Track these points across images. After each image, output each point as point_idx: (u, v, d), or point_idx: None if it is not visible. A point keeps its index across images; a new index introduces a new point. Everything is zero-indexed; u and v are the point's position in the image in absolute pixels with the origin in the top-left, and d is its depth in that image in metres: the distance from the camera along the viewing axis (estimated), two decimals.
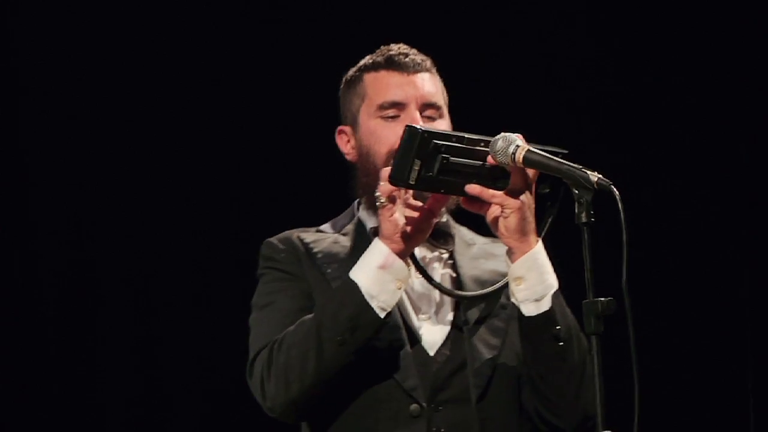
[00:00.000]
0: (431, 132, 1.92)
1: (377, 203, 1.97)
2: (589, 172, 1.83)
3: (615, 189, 1.80)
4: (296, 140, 3.49)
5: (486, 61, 3.58)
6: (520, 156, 1.89)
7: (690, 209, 3.67)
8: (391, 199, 1.94)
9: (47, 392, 3.58)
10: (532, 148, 1.90)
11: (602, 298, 1.77)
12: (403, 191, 1.94)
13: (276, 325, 2.03)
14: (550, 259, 1.99)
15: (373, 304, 1.95)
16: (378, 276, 1.95)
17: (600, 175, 1.82)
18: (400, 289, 1.97)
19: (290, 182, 3.49)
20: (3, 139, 3.58)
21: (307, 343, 1.96)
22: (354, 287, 1.96)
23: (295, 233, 2.14)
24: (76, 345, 3.62)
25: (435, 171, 1.90)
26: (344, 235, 2.12)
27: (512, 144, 1.90)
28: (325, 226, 2.17)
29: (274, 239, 2.13)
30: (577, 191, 1.81)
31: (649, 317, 3.39)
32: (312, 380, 1.96)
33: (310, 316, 1.99)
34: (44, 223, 3.59)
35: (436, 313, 2.07)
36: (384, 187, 1.94)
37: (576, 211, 1.81)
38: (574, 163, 1.87)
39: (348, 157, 2.16)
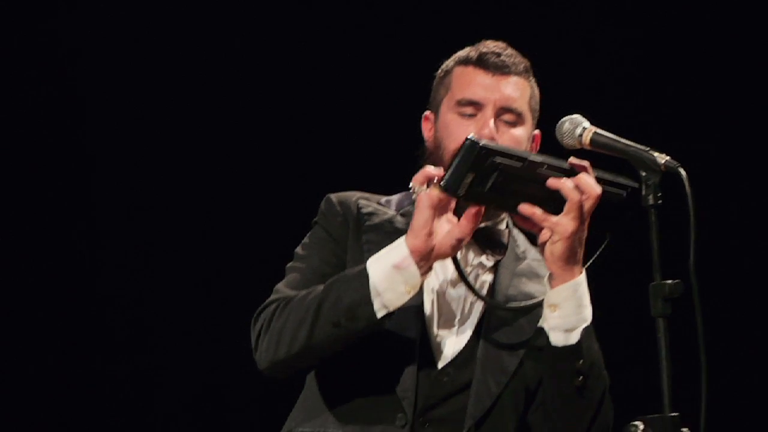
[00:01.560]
0: (490, 148, 1.87)
1: (412, 194, 1.95)
2: (656, 154, 1.81)
3: (683, 171, 1.78)
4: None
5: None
6: (587, 137, 1.87)
7: (755, 191, 3.64)
8: (439, 199, 1.89)
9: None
10: (599, 130, 1.88)
11: (669, 281, 1.75)
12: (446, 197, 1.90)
13: (299, 282, 2.04)
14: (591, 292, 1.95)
15: (376, 300, 1.91)
16: (390, 274, 1.91)
17: (668, 157, 1.80)
18: (408, 293, 1.92)
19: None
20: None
21: (306, 313, 1.94)
22: (365, 277, 1.92)
23: (356, 196, 2.11)
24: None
25: (487, 187, 1.87)
26: (402, 216, 2.09)
27: (579, 126, 1.88)
28: (391, 199, 2.14)
29: (335, 196, 2.11)
30: (644, 173, 1.79)
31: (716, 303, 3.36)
32: (299, 350, 1.94)
33: (321, 287, 1.97)
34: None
35: (460, 325, 2.03)
36: (419, 174, 1.93)
37: (643, 193, 1.80)
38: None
39: (426, 144, 2.14)
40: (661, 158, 1.80)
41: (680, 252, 1.78)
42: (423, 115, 2.16)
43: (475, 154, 1.86)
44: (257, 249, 3.60)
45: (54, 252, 3.70)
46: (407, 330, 1.98)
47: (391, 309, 1.91)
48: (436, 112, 2.12)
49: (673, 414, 1.74)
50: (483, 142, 1.88)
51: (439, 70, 2.15)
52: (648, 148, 1.83)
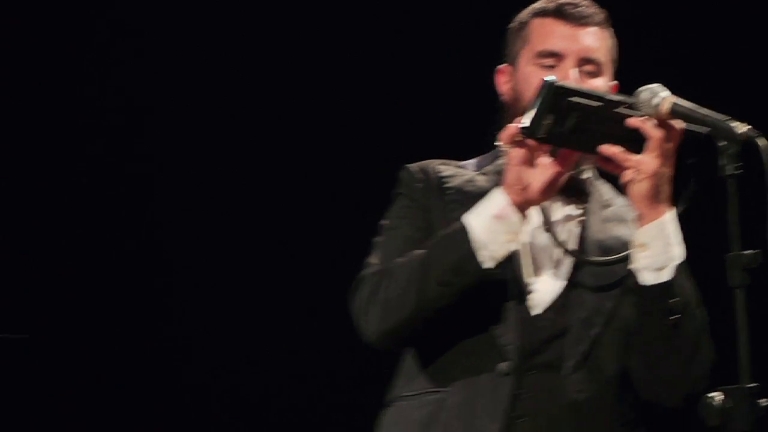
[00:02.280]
0: (568, 88, 1.89)
1: (499, 150, 1.96)
2: (736, 123, 1.78)
3: (762, 140, 1.75)
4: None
5: None
6: (665, 107, 1.85)
7: None
8: (521, 145, 1.91)
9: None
10: (678, 100, 1.86)
11: (748, 251, 1.73)
12: (532, 142, 1.91)
13: (393, 251, 2.04)
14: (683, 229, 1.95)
15: (481, 252, 1.93)
16: (491, 225, 1.93)
17: (748, 127, 1.77)
18: (511, 242, 1.94)
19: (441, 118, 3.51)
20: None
21: (411, 279, 1.96)
22: (465, 232, 1.94)
23: (434, 163, 2.13)
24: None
25: (567, 128, 1.87)
26: (483, 174, 2.10)
27: (657, 95, 1.86)
28: (468, 163, 2.15)
29: (413, 166, 2.13)
30: (723, 143, 1.77)
31: None
32: (409, 315, 1.96)
33: (420, 251, 1.99)
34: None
35: (554, 271, 2.03)
36: (505, 133, 1.93)
37: (721, 163, 1.77)
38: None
39: (502, 98, 2.14)
40: (741, 128, 1.77)
41: (755, 223, 1.76)
42: (496, 69, 2.16)
43: (553, 94, 1.87)
44: (339, 229, 3.63)
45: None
46: (502, 279, 1.99)
47: (497, 260, 1.94)
48: (513, 65, 2.12)
49: (751, 385, 1.72)
50: (560, 82, 1.89)
51: (514, 23, 2.15)
52: (727, 118, 1.80)
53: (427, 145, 2.47)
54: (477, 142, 2.20)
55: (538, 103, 1.88)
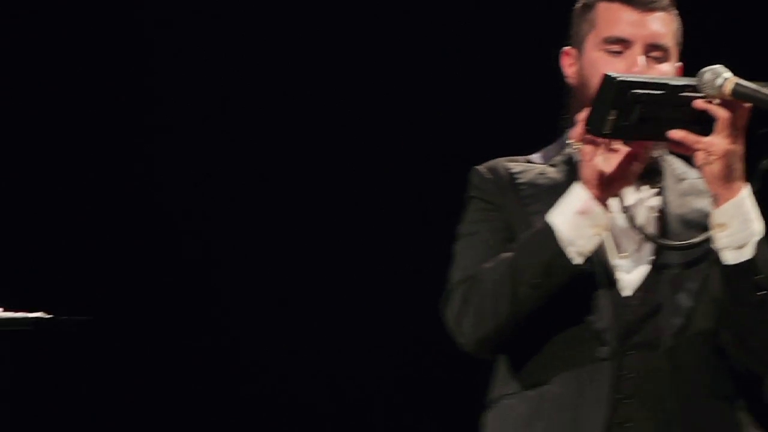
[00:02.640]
0: (629, 81, 1.88)
1: (573, 147, 1.99)
2: None
3: None
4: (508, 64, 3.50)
5: None
6: (727, 88, 1.86)
7: None
8: (591, 142, 1.93)
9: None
10: (740, 81, 1.87)
11: None
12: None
13: (477, 257, 2.04)
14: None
15: (569, 250, 1.94)
16: (576, 222, 1.94)
17: None
18: (598, 235, 1.96)
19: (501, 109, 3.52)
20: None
21: (502, 284, 1.97)
22: (551, 232, 1.96)
23: (502, 162, 2.13)
24: None
25: (633, 120, 1.88)
26: (552, 166, 2.11)
27: (720, 76, 1.87)
28: (535, 156, 2.15)
29: (481, 167, 2.13)
30: None
31: None
32: (505, 320, 1.97)
33: (507, 254, 2.00)
34: None
35: (637, 252, 2.04)
36: (575, 132, 1.95)
37: None
38: None
39: (568, 80, 2.14)
40: None
41: None
42: (561, 51, 2.16)
43: (615, 90, 1.87)
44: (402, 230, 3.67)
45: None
46: (590, 266, 1.99)
47: (585, 255, 1.95)
48: (578, 48, 2.12)
49: None
50: (621, 76, 1.89)
51: (579, 4, 2.14)
52: None
53: (493, 141, 2.46)
54: (543, 131, 2.21)
55: (599, 100, 1.88)
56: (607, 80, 1.88)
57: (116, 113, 3.80)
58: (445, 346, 2.18)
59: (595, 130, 1.89)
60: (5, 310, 3.32)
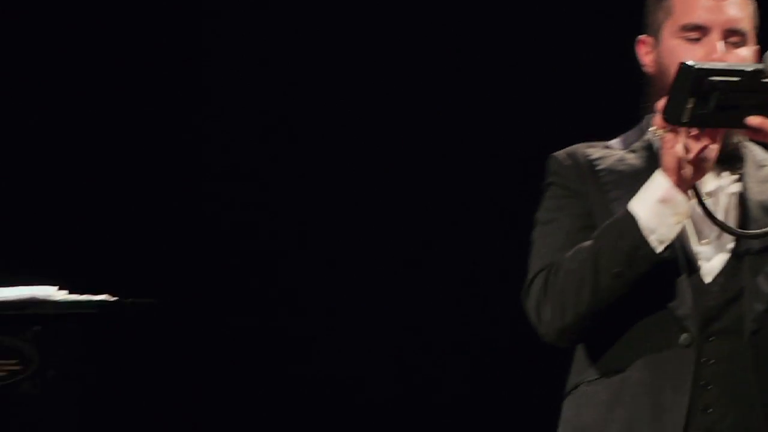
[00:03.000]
0: (706, 69, 1.89)
1: (655, 135, 1.99)
2: None
3: None
4: (587, 51, 3.50)
5: None
6: None
7: None
8: (672, 131, 1.93)
9: None
10: None
11: None
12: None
13: (556, 245, 2.05)
14: None
15: (651, 238, 1.95)
16: (657, 210, 1.95)
17: None
18: (679, 223, 1.96)
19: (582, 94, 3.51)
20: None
21: (583, 272, 1.97)
22: (632, 220, 1.96)
23: (581, 148, 2.13)
24: None
25: (711, 107, 1.88)
26: (632, 152, 2.11)
27: None
28: (614, 142, 2.15)
29: (560, 153, 2.13)
30: None
31: None
32: (586, 309, 1.98)
33: (588, 243, 2.00)
34: None
35: (718, 239, 2.04)
36: (656, 120, 1.95)
37: None
38: None
39: (645, 69, 2.14)
40: None
41: None
42: (637, 39, 2.15)
43: (692, 79, 1.87)
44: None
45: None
46: (671, 253, 1.99)
47: (667, 243, 1.95)
48: (655, 37, 2.11)
49: None
50: (697, 64, 1.89)
51: None
52: None
53: (571, 130, 2.46)
54: (621, 118, 2.21)
55: (676, 89, 1.89)
56: (684, 69, 1.88)
57: (177, 100, 3.82)
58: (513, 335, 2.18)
59: (673, 119, 1.90)
60: (70, 293, 3.36)
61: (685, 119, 1.89)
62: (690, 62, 1.89)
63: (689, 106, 1.88)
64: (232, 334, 3.83)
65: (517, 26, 3.67)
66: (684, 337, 1.98)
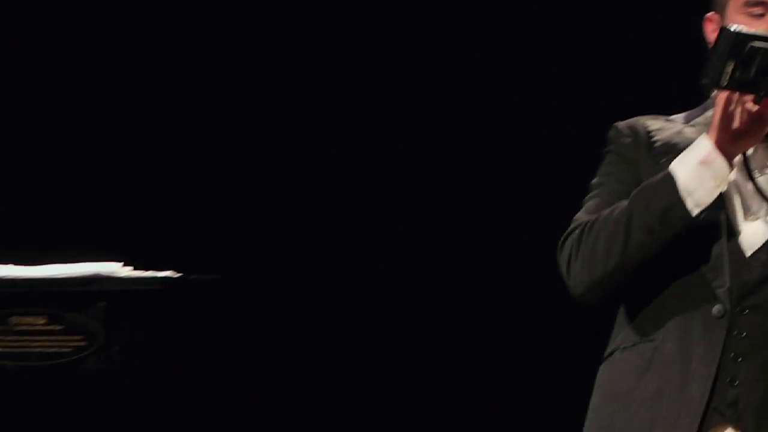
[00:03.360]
0: (748, 34, 1.86)
1: (709, 102, 1.97)
2: None
3: None
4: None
5: None
6: None
7: None
8: (726, 97, 1.91)
9: None
10: None
11: None
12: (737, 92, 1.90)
13: (600, 205, 2.05)
14: None
15: (688, 199, 1.93)
16: (697, 171, 1.93)
17: None
18: (718, 187, 1.94)
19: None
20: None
21: (616, 228, 1.96)
22: (671, 180, 1.94)
23: (642, 120, 2.12)
24: None
25: (752, 73, 1.86)
26: (691, 126, 2.09)
27: None
28: (677, 116, 2.14)
29: (621, 123, 2.13)
30: None
31: None
32: (615, 265, 1.96)
33: (625, 201, 2.00)
34: None
35: (764, 215, 2.01)
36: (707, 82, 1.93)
37: None
38: None
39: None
40: None
41: None
42: (705, 17, 2.13)
43: (732, 42, 1.85)
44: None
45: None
46: (712, 223, 1.98)
47: (704, 206, 1.93)
48: (721, 14, 2.09)
49: None
50: (738, 28, 1.88)
51: None
52: None
53: (640, 103, 2.43)
54: (689, 95, 2.18)
55: (716, 52, 1.87)
56: (725, 32, 1.87)
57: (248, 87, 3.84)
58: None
59: (713, 81, 1.88)
60: (135, 269, 3.39)
61: (724, 83, 1.87)
62: (732, 26, 1.88)
63: (729, 69, 1.86)
64: (295, 310, 3.85)
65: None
66: (717, 308, 1.95)
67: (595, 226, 2.00)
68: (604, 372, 2.07)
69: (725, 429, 1.90)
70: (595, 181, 2.13)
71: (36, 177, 4.94)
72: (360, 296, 3.81)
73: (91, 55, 4.03)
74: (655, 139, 2.08)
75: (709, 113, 2.08)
